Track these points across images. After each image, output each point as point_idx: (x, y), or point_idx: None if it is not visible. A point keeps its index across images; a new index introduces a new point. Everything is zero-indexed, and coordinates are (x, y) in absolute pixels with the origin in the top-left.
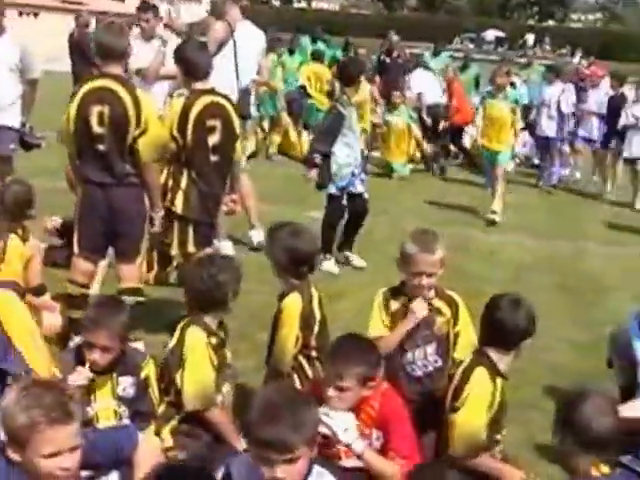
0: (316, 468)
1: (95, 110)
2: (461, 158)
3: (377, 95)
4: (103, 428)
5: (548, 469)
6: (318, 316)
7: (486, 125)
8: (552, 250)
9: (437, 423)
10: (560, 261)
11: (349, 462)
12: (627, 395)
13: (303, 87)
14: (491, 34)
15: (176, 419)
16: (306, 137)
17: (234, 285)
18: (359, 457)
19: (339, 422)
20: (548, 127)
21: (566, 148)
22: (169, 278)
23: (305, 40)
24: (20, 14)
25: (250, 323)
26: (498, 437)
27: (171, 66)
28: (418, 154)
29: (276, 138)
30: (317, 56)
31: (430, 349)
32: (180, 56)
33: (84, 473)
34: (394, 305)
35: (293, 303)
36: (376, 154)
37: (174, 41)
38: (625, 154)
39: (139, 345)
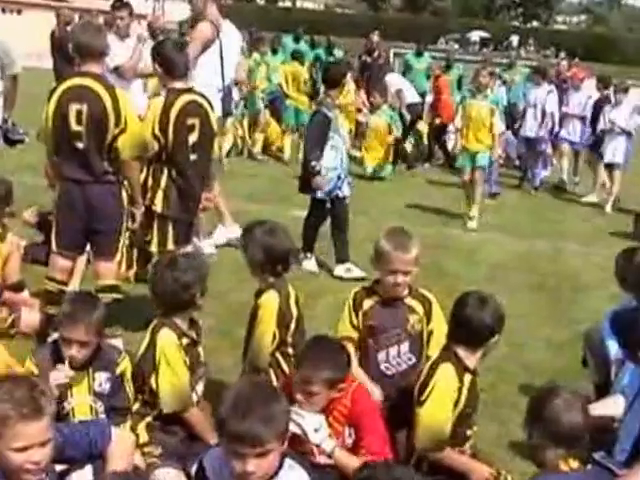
0: (288, 461)
1: (74, 108)
2: (442, 158)
3: (364, 97)
4: (77, 423)
5: (522, 465)
6: (295, 313)
7: (465, 125)
8: (531, 250)
9: (410, 420)
10: (539, 261)
11: (322, 459)
12: (601, 393)
13: (281, 86)
14: (476, 35)
15: (151, 416)
16: (289, 137)
17: (200, 285)
18: (329, 456)
19: (309, 422)
20: (533, 128)
21: (550, 150)
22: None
23: (288, 40)
24: (3, 11)
25: (229, 321)
26: (469, 433)
27: (148, 64)
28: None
29: (259, 137)
30: (297, 56)
31: (404, 347)
32: (159, 55)
33: (58, 467)
34: (367, 304)
35: (270, 300)
36: (357, 154)
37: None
38: (605, 159)
39: (118, 342)
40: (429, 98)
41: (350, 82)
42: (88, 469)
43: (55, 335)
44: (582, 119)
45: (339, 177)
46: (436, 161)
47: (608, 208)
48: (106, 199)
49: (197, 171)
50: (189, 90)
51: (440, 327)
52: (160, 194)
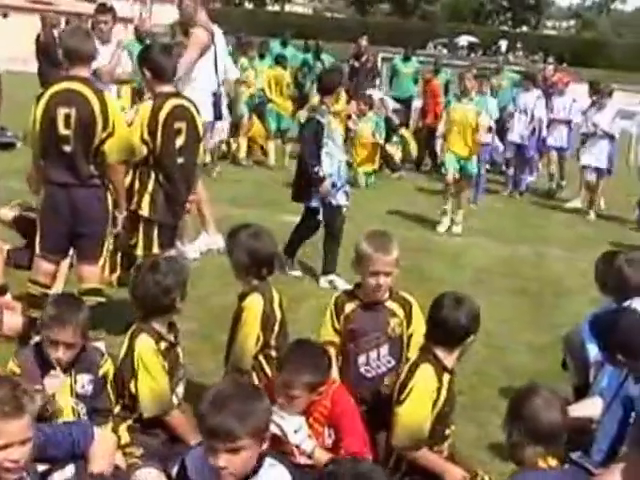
0: (269, 460)
1: (62, 112)
2: (430, 164)
3: (354, 104)
4: (59, 423)
5: (501, 466)
6: (279, 316)
7: (450, 130)
8: (515, 254)
9: (389, 421)
10: (522, 265)
11: (302, 459)
12: (580, 395)
13: (263, 91)
14: (464, 40)
15: (132, 419)
16: (272, 142)
17: (180, 289)
18: (309, 456)
19: (290, 423)
20: (522, 134)
21: (537, 156)
22: None
23: (275, 44)
24: None
25: (211, 325)
26: (447, 432)
27: (127, 70)
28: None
29: (242, 142)
30: (280, 60)
31: (384, 350)
32: (147, 59)
33: (40, 467)
34: (348, 308)
35: (255, 303)
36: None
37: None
38: (585, 162)
39: (100, 345)
40: (417, 103)
41: (342, 89)
42: (69, 469)
43: (37, 338)
44: (568, 123)
45: (333, 185)
46: (424, 167)
47: (592, 215)
48: (91, 203)
49: (183, 175)
50: (176, 94)
51: (420, 330)
52: (147, 198)
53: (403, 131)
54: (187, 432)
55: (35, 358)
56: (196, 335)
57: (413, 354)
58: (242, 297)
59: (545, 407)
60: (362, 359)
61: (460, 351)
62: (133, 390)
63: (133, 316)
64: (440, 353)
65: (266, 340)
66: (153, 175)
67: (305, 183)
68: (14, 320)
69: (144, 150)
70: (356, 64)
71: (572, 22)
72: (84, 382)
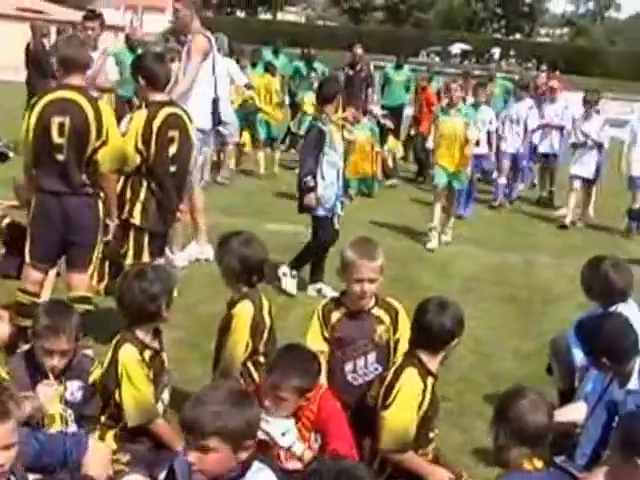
0: (256, 464)
1: (56, 121)
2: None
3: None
4: (55, 432)
5: (485, 472)
6: (268, 323)
7: (438, 143)
8: (504, 262)
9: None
10: (511, 273)
11: (289, 464)
12: (566, 400)
13: (253, 99)
14: (457, 47)
15: (118, 428)
16: (262, 151)
17: (166, 296)
18: (299, 459)
19: (276, 427)
20: (514, 144)
21: (531, 164)
22: None
23: (267, 53)
24: None
25: (199, 333)
26: (432, 435)
27: (110, 78)
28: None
29: (231, 150)
30: (269, 68)
31: (371, 358)
32: (141, 67)
33: (31, 477)
34: (335, 316)
35: (245, 310)
36: None
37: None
38: (574, 172)
39: (88, 353)
40: (409, 110)
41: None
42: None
43: (25, 347)
44: (560, 130)
45: (335, 195)
46: (406, 174)
47: (579, 223)
48: (83, 211)
49: (175, 183)
50: (170, 102)
51: (406, 335)
52: (139, 207)
53: (390, 139)
54: (172, 439)
55: (25, 366)
56: (184, 343)
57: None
58: (231, 304)
59: (531, 409)
60: (349, 367)
61: (444, 355)
62: (118, 399)
63: (120, 324)
64: (424, 357)
65: (255, 347)
66: (145, 183)
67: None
68: (1, 329)
69: (137, 159)
70: (350, 72)
71: (566, 30)
72: (73, 389)
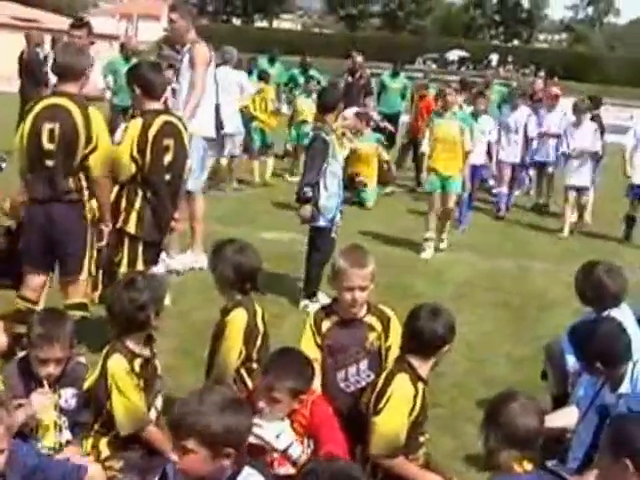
0: (246, 470)
1: (47, 127)
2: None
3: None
4: (57, 459)
5: (476, 477)
6: (261, 330)
7: (434, 148)
8: (498, 269)
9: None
10: (506, 280)
11: (281, 470)
12: (559, 404)
13: (247, 107)
14: (454, 54)
15: (110, 435)
16: (256, 160)
17: (156, 305)
18: (295, 463)
19: (270, 430)
20: (513, 153)
21: (530, 172)
22: None
23: (263, 61)
24: None
25: (192, 340)
26: (422, 440)
27: (98, 86)
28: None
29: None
30: (263, 76)
31: (363, 365)
32: (137, 76)
33: None
34: (326, 324)
35: (239, 317)
36: None
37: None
38: (569, 183)
39: (81, 359)
40: (405, 118)
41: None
42: None
43: (21, 354)
44: (558, 137)
45: (337, 205)
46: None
47: (565, 233)
48: (68, 217)
49: (170, 191)
50: (165, 111)
51: (397, 342)
52: (134, 216)
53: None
54: (165, 445)
55: (20, 373)
56: (177, 351)
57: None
58: (225, 312)
59: (522, 412)
60: (341, 375)
61: (435, 361)
62: (109, 409)
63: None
64: (415, 362)
65: (248, 353)
66: (140, 192)
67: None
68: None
69: (133, 167)
70: (350, 79)
71: (564, 36)
72: (67, 396)
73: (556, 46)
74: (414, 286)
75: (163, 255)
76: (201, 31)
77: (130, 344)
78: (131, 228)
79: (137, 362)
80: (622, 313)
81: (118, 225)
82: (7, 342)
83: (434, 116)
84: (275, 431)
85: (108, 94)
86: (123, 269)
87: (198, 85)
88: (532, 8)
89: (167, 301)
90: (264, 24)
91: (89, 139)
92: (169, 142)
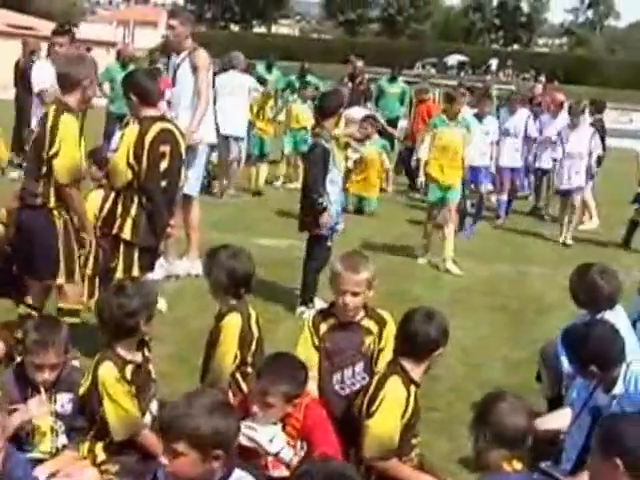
0: (237, 472)
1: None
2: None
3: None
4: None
5: (470, 478)
6: (256, 334)
7: (435, 155)
8: (496, 273)
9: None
10: (504, 284)
11: (275, 472)
12: (553, 407)
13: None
14: (453, 59)
15: (105, 441)
16: (253, 167)
17: (146, 312)
18: (288, 465)
19: (263, 434)
20: (513, 158)
21: (531, 176)
22: None
23: (260, 67)
24: None
25: (188, 347)
26: (414, 442)
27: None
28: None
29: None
30: (260, 82)
31: (358, 368)
32: (132, 83)
33: None
34: (324, 327)
35: (233, 322)
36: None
37: None
38: (563, 188)
39: (76, 363)
40: (403, 123)
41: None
42: None
43: (19, 358)
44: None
45: (337, 212)
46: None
47: (569, 240)
48: (32, 222)
49: (166, 198)
50: (162, 118)
51: (391, 346)
52: (129, 222)
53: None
54: (159, 450)
55: (16, 379)
56: (173, 357)
57: (380, 369)
58: (220, 316)
59: (510, 412)
60: (337, 377)
61: (428, 364)
62: (102, 416)
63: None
64: (408, 366)
65: (243, 358)
66: (136, 199)
67: (312, 212)
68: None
69: (129, 174)
70: (350, 85)
71: (565, 39)
72: (63, 401)
73: (556, 50)
74: (412, 291)
75: (162, 260)
76: (199, 38)
77: (121, 351)
78: (127, 234)
79: (129, 369)
80: (616, 315)
81: (114, 231)
82: (4, 349)
83: (438, 123)
84: (269, 435)
85: (104, 101)
86: (119, 275)
87: (204, 92)
88: (532, 12)
89: (163, 308)
90: (262, 30)
91: (52, 143)
92: (165, 149)
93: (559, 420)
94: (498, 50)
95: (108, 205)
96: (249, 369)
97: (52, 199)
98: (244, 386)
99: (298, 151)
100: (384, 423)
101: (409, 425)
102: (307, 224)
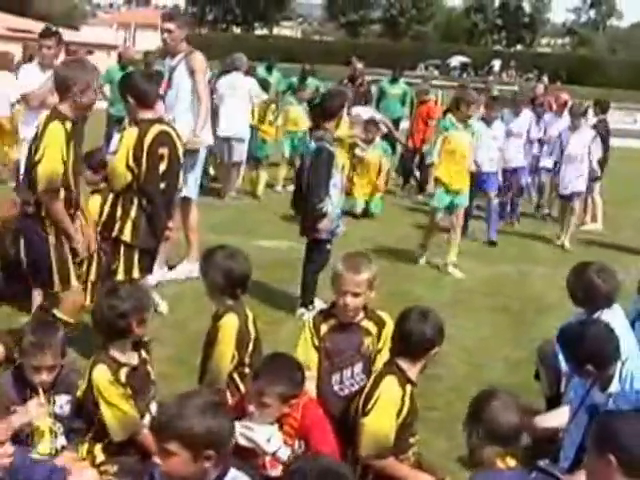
0: (232, 472)
1: None
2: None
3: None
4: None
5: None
6: (253, 334)
7: (444, 159)
8: (497, 274)
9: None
10: (505, 284)
11: (273, 472)
12: (552, 405)
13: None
14: (456, 60)
15: (104, 442)
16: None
17: (138, 314)
18: (285, 465)
19: (260, 433)
20: (516, 158)
21: (536, 178)
22: None
23: (260, 69)
24: None
25: (187, 349)
26: (412, 440)
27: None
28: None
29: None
30: (263, 85)
31: (357, 369)
32: (130, 86)
33: None
34: (324, 327)
35: (230, 322)
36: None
37: None
38: (563, 191)
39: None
40: (405, 124)
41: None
42: None
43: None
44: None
45: (337, 215)
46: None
47: (567, 243)
48: (26, 230)
49: (165, 200)
50: (160, 120)
51: (388, 346)
52: (129, 224)
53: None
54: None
55: (14, 381)
56: (172, 359)
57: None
58: (217, 317)
59: (503, 409)
60: (336, 377)
61: (423, 364)
62: (100, 418)
63: None
64: (404, 365)
65: (241, 358)
66: (136, 201)
67: (312, 217)
68: None
69: (128, 176)
70: (350, 86)
71: (567, 39)
72: (62, 403)
73: (559, 50)
74: (414, 292)
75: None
76: (200, 40)
77: (115, 353)
78: (127, 237)
79: (123, 371)
80: (613, 314)
81: (114, 234)
82: (4, 352)
83: (449, 126)
84: (266, 435)
85: (105, 104)
86: (120, 277)
87: (204, 96)
88: (534, 12)
89: (164, 310)
90: (264, 32)
91: (37, 149)
92: (164, 151)
93: (558, 418)
94: (501, 51)
95: (107, 208)
96: (247, 369)
97: (43, 207)
98: (242, 387)
99: (297, 153)
100: (379, 421)
101: (405, 424)
102: (307, 229)
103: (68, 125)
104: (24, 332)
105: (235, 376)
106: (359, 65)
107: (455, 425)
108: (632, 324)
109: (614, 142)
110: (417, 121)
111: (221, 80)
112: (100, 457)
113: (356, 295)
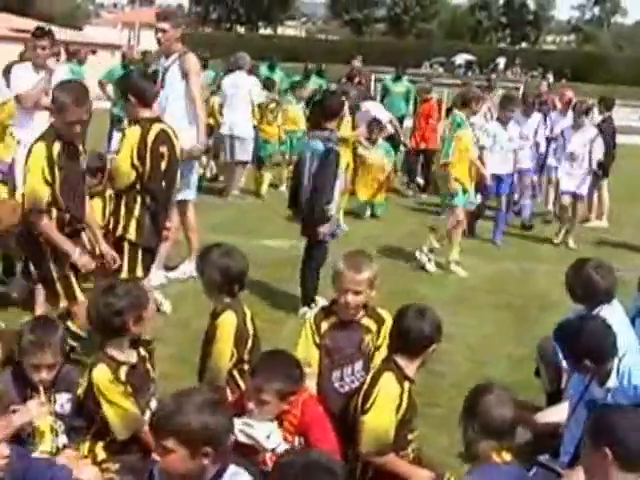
0: (232, 468)
1: None
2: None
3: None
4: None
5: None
6: (251, 332)
7: (458, 158)
8: (501, 272)
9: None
10: (508, 282)
11: None
12: (553, 401)
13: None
14: (461, 58)
15: (106, 440)
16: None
17: (134, 312)
18: None
19: (260, 430)
20: (523, 159)
21: (536, 179)
22: None
23: (263, 68)
24: None
25: (189, 348)
26: (411, 437)
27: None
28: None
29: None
30: (267, 84)
31: (358, 366)
32: (130, 86)
33: None
34: (325, 325)
35: (229, 320)
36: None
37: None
38: (564, 188)
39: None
40: (408, 122)
41: (347, 113)
42: None
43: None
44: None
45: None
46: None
47: (571, 243)
48: (26, 249)
49: (166, 198)
50: (158, 119)
51: (386, 343)
52: (133, 223)
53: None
54: None
55: (14, 380)
56: (175, 358)
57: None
58: (215, 315)
59: (497, 403)
60: (336, 374)
61: (421, 361)
62: (102, 417)
63: None
64: (402, 362)
65: (240, 355)
66: (140, 200)
67: (317, 218)
68: None
69: (132, 175)
70: (349, 85)
71: (572, 36)
72: (63, 401)
73: (564, 47)
74: (417, 290)
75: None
76: (204, 39)
77: (113, 352)
78: (131, 235)
79: (122, 370)
80: (612, 310)
81: (118, 233)
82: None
83: (461, 122)
84: (265, 431)
85: (108, 104)
86: (124, 275)
87: (198, 98)
88: (538, 9)
89: (168, 310)
90: (268, 31)
91: (27, 170)
92: (164, 149)
93: (559, 414)
94: (505, 48)
95: (110, 208)
96: (246, 366)
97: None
98: (242, 384)
99: (295, 152)
100: (379, 418)
101: (404, 420)
102: (308, 229)
103: (57, 146)
104: (23, 331)
105: (235, 373)
106: (357, 63)
107: (455, 421)
108: (632, 321)
109: (620, 139)
110: (419, 119)
111: (225, 79)
112: (101, 455)
113: (357, 293)
